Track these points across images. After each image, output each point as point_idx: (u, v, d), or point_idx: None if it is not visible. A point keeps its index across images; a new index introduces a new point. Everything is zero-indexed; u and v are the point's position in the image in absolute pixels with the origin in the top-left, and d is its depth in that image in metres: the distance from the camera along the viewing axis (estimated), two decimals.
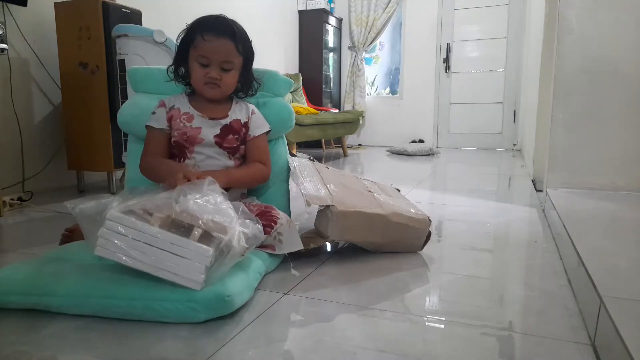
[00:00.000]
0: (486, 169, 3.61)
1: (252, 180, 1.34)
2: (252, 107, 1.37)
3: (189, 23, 1.26)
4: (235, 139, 1.30)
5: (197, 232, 0.92)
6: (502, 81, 5.01)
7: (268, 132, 1.38)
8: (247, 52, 1.29)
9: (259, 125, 1.35)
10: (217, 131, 1.28)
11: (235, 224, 0.97)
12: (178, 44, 1.27)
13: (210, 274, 0.92)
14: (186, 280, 0.90)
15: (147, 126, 1.30)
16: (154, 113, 1.31)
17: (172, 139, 1.27)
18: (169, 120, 1.28)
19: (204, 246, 0.90)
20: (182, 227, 0.92)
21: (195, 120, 1.27)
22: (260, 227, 1.05)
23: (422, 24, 5.24)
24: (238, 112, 1.33)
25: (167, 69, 1.33)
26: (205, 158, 1.27)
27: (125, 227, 0.90)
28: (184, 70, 1.31)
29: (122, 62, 2.21)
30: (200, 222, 0.93)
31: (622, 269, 0.99)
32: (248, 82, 1.35)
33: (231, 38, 1.23)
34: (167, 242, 0.90)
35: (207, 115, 1.29)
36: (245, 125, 1.32)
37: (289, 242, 1.21)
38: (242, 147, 1.33)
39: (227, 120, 1.30)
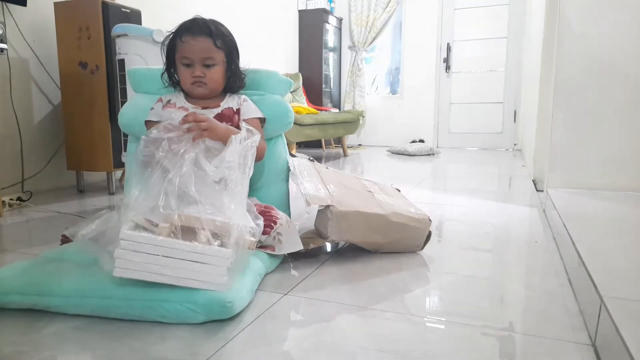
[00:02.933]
0: (486, 169, 3.61)
1: None
2: (244, 96, 1.40)
3: (169, 30, 1.30)
4: None
5: (204, 234, 0.92)
6: (502, 81, 5.02)
7: (263, 120, 1.39)
8: (227, 46, 1.31)
9: (251, 111, 1.37)
10: None
11: (237, 217, 0.97)
12: (164, 53, 1.32)
13: (230, 273, 0.93)
14: (210, 284, 0.91)
15: (146, 121, 1.33)
16: (152, 109, 1.35)
17: None
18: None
19: (223, 249, 0.91)
20: (188, 232, 0.93)
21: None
22: (260, 222, 1.07)
23: (422, 24, 5.24)
24: (230, 101, 1.36)
25: (161, 76, 1.36)
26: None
27: (140, 244, 0.89)
28: (177, 77, 1.35)
29: (122, 61, 2.21)
30: (204, 226, 0.93)
31: (623, 269, 0.99)
32: (235, 77, 1.36)
33: (207, 35, 1.26)
34: (184, 251, 0.90)
35: (200, 106, 1.31)
36: (238, 111, 1.34)
37: (288, 242, 1.21)
38: None
39: (219, 109, 1.33)
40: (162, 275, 0.90)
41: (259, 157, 1.33)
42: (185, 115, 1.13)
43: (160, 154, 1.02)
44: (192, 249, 0.90)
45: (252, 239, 1.00)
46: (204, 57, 1.26)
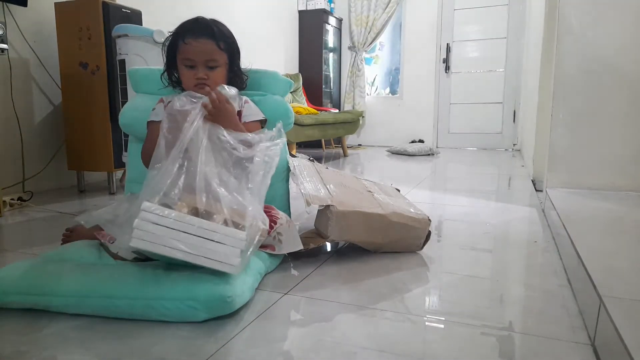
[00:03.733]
0: (486, 169, 3.61)
1: None
2: (246, 98, 1.39)
3: (170, 31, 1.29)
4: None
5: (220, 217, 0.94)
6: (502, 81, 5.02)
7: (263, 122, 1.38)
8: (230, 48, 1.31)
9: (252, 113, 1.36)
10: None
11: (255, 205, 0.99)
12: (165, 53, 1.31)
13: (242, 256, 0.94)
14: (223, 265, 0.92)
15: (148, 122, 1.32)
16: (153, 109, 1.33)
17: None
18: None
19: (238, 230, 0.93)
20: (206, 215, 0.94)
21: None
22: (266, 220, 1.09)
23: (422, 24, 5.24)
24: (232, 102, 1.34)
25: (161, 76, 1.35)
26: None
27: (160, 216, 0.91)
28: (176, 77, 1.33)
29: (123, 62, 2.22)
30: (225, 211, 0.95)
31: (622, 269, 1.00)
32: (237, 78, 1.36)
33: (210, 37, 1.25)
34: (202, 228, 0.92)
35: None
36: (239, 113, 1.33)
37: (288, 242, 1.21)
38: None
39: None
40: (177, 251, 0.91)
41: None
42: (211, 95, 1.15)
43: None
44: (208, 226, 0.92)
45: (264, 226, 1.01)
46: (207, 59, 1.25)
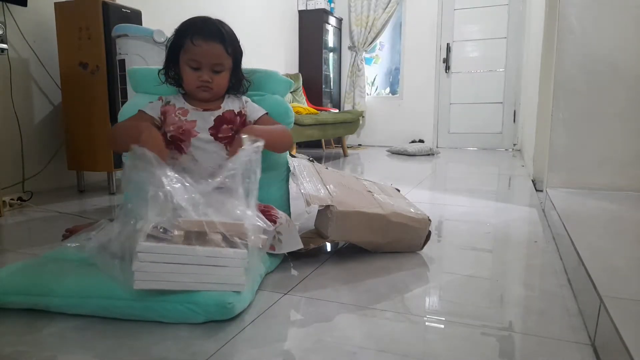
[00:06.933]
0: (486, 169, 3.61)
1: (280, 135, 1.30)
2: (245, 97, 1.38)
3: (176, 28, 1.27)
4: (229, 129, 1.30)
5: (216, 237, 0.93)
6: (502, 81, 5.02)
7: (267, 113, 1.37)
8: (236, 52, 1.29)
9: (255, 110, 1.35)
10: (211, 123, 1.28)
11: (248, 218, 0.98)
12: (168, 48, 1.29)
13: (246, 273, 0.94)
14: (229, 286, 0.92)
15: (139, 110, 1.30)
16: (151, 102, 1.32)
17: (168, 135, 1.27)
18: (163, 114, 1.29)
19: (238, 250, 0.93)
20: (200, 236, 0.93)
21: (190, 114, 1.28)
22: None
23: (422, 24, 5.24)
24: (230, 103, 1.33)
25: (159, 72, 1.33)
26: (202, 153, 1.27)
27: (157, 254, 0.90)
28: (173, 73, 1.31)
29: (122, 62, 2.21)
30: (216, 230, 0.94)
31: (622, 269, 0.99)
32: (238, 81, 1.36)
33: (220, 41, 1.23)
34: (201, 256, 0.91)
35: (201, 108, 1.30)
36: (240, 114, 1.32)
37: (288, 241, 1.21)
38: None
39: (219, 112, 1.30)
40: (182, 283, 0.91)
41: (288, 143, 1.34)
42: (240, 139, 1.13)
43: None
44: (208, 253, 0.91)
45: (264, 236, 1.01)
46: (214, 63, 1.24)
